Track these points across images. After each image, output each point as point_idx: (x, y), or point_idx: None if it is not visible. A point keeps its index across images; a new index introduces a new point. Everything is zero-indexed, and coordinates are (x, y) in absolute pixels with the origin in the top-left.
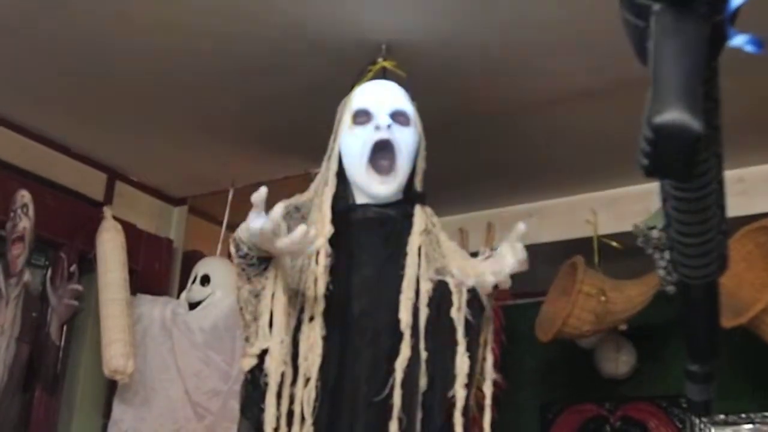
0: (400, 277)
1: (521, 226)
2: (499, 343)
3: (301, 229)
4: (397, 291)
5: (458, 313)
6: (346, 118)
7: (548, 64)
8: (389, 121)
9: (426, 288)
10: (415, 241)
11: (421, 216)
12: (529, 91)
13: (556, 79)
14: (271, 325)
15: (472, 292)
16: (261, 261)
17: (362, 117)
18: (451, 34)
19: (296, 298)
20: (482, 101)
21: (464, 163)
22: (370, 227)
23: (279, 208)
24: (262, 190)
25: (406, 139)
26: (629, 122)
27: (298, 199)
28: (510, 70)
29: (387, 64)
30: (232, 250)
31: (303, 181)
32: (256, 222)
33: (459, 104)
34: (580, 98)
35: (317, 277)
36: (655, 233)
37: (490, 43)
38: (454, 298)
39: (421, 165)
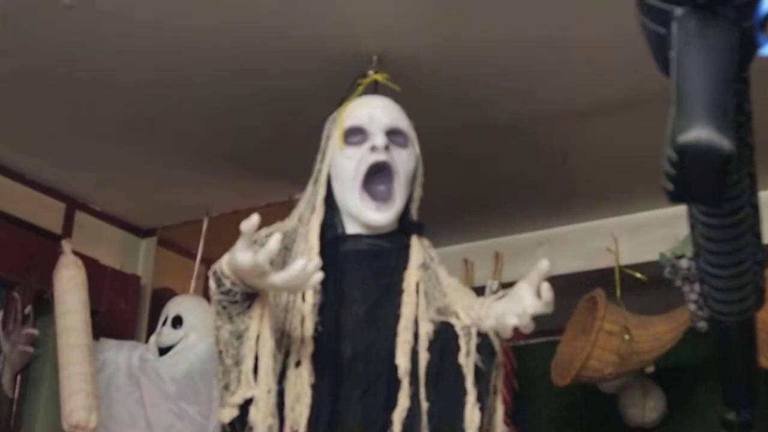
0: (395, 317)
1: (545, 263)
2: (511, 390)
3: (300, 263)
4: (393, 333)
5: (467, 359)
6: (336, 136)
7: (561, 75)
8: (386, 141)
9: (426, 330)
10: (412, 276)
11: (418, 248)
12: (540, 105)
13: (570, 92)
14: (255, 371)
15: (483, 336)
16: (245, 297)
17: (355, 136)
18: (450, 43)
19: (282, 341)
20: (486, 117)
21: (467, 186)
22: (361, 260)
23: (276, 239)
24: (254, 218)
25: (405, 162)
26: (654, 138)
27: (279, 227)
28: (517, 83)
29: (379, 77)
30: (212, 284)
31: (287, 209)
32: (244, 254)
33: (460, 121)
34: (598, 112)
35: (304, 317)
36: (684, 263)
37: (493, 53)
38: (462, 342)
39: (418, 191)
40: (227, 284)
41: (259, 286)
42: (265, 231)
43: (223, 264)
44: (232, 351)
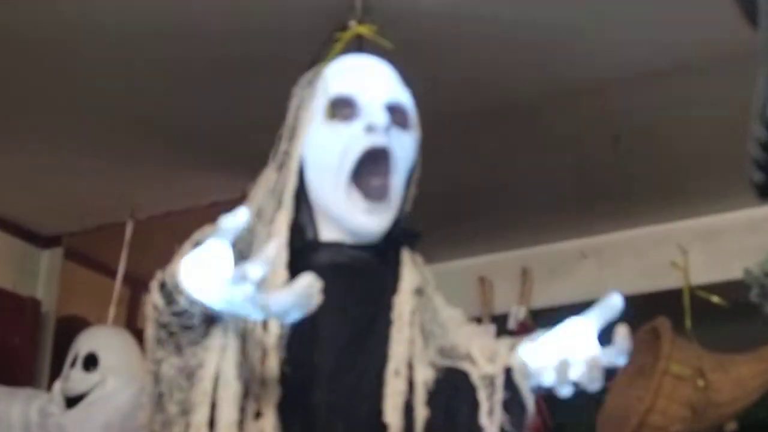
0: (383, 358)
1: (616, 300)
2: None
3: (305, 279)
4: (381, 379)
5: (490, 420)
6: (317, 107)
7: (611, 32)
8: (387, 119)
9: (424, 377)
10: (404, 303)
11: (411, 266)
12: (583, 73)
13: (622, 54)
14: (211, 424)
15: (513, 389)
16: (203, 321)
17: (345, 109)
18: None
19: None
20: (510, 89)
21: (483, 180)
22: (340, 278)
23: (276, 245)
24: (242, 212)
25: (406, 149)
26: (736, 112)
27: None
28: (552, 44)
29: (364, 31)
30: (157, 301)
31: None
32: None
33: (473, 95)
34: (660, 80)
35: (266, 352)
36: None
37: (523, 2)
38: (482, 397)
39: (413, 189)
40: (182, 302)
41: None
42: (210, 229)
43: (179, 274)
44: (179, 395)
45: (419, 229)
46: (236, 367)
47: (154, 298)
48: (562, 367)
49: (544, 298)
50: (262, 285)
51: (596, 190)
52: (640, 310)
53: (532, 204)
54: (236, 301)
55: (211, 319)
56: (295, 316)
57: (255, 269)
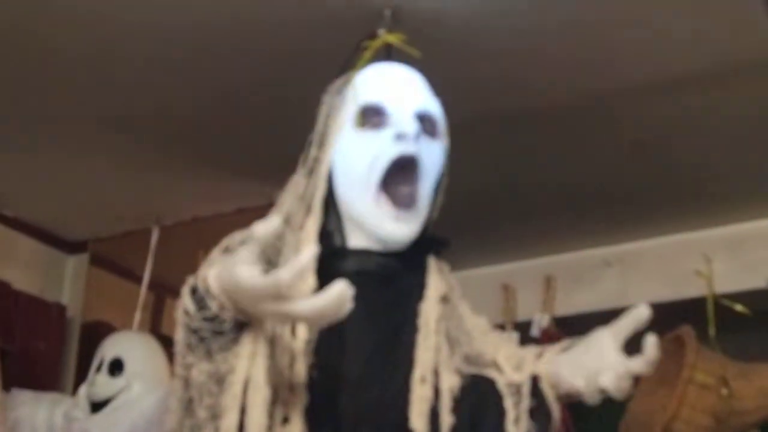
0: (409, 365)
1: (644, 311)
2: None
3: (338, 285)
4: (407, 385)
5: (516, 427)
6: (347, 115)
7: (636, 38)
8: (416, 128)
9: (450, 384)
10: (430, 310)
11: (437, 274)
12: (608, 77)
13: (649, 61)
14: (240, 429)
15: (539, 397)
16: (234, 327)
17: (375, 117)
18: None
19: (277, 390)
20: (535, 96)
21: (507, 187)
22: (368, 285)
23: (312, 253)
24: (274, 220)
25: (434, 157)
26: (764, 120)
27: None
28: (579, 50)
29: (393, 39)
30: (189, 305)
31: (264, 216)
32: (252, 269)
33: (498, 101)
34: (686, 86)
35: (294, 357)
36: None
37: (548, 6)
38: (509, 404)
39: (441, 197)
40: (214, 307)
41: (263, 313)
42: (239, 236)
43: (211, 278)
44: (209, 399)
45: (445, 236)
46: (266, 372)
47: (185, 303)
48: (592, 376)
49: (567, 306)
50: (293, 291)
51: (620, 198)
52: (664, 319)
53: (555, 211)
54: (268, 307)
55: (242, 325)
56: (326, 322)
57: (288, 275)
